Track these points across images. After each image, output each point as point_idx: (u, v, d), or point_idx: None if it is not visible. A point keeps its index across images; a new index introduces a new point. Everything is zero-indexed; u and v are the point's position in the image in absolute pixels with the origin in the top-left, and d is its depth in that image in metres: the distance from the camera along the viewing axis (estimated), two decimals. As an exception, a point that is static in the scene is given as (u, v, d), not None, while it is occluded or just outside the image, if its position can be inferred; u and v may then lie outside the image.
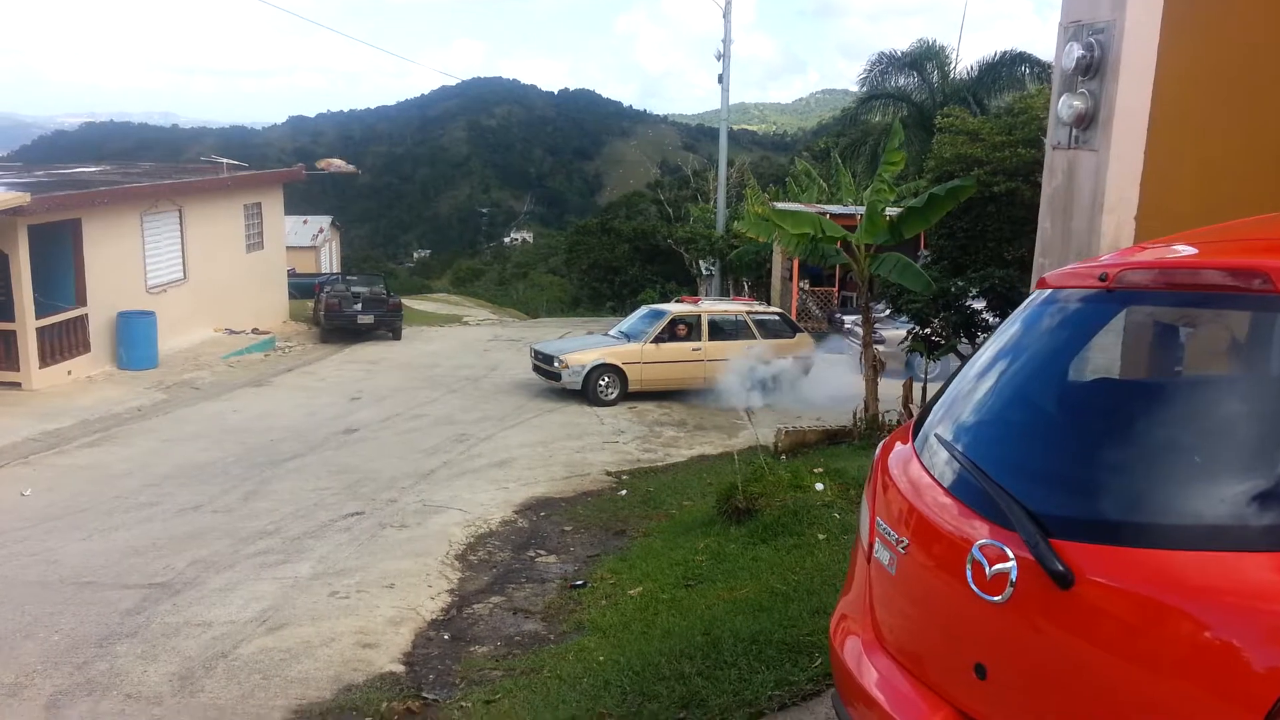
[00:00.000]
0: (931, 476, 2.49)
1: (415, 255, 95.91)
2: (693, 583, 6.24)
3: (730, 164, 30.81)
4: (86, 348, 15.93)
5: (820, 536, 6.37)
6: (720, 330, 16.02)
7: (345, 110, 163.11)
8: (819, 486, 7.27)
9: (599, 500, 9.68)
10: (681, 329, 15.81)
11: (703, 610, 5.52)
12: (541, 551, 8.06)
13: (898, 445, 2.85)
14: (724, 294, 29.54)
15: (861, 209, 17.20)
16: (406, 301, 27.00)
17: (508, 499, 9.67)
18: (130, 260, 17.22)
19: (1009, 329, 2.72)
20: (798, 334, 16.54)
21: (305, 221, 41.97)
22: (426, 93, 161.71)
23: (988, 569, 2.05)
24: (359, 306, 20.99)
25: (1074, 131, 5.56)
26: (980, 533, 2.13)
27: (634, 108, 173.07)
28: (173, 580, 6.97)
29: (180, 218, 18.79)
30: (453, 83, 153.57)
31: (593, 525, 8.76)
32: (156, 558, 7.57)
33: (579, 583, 6.99)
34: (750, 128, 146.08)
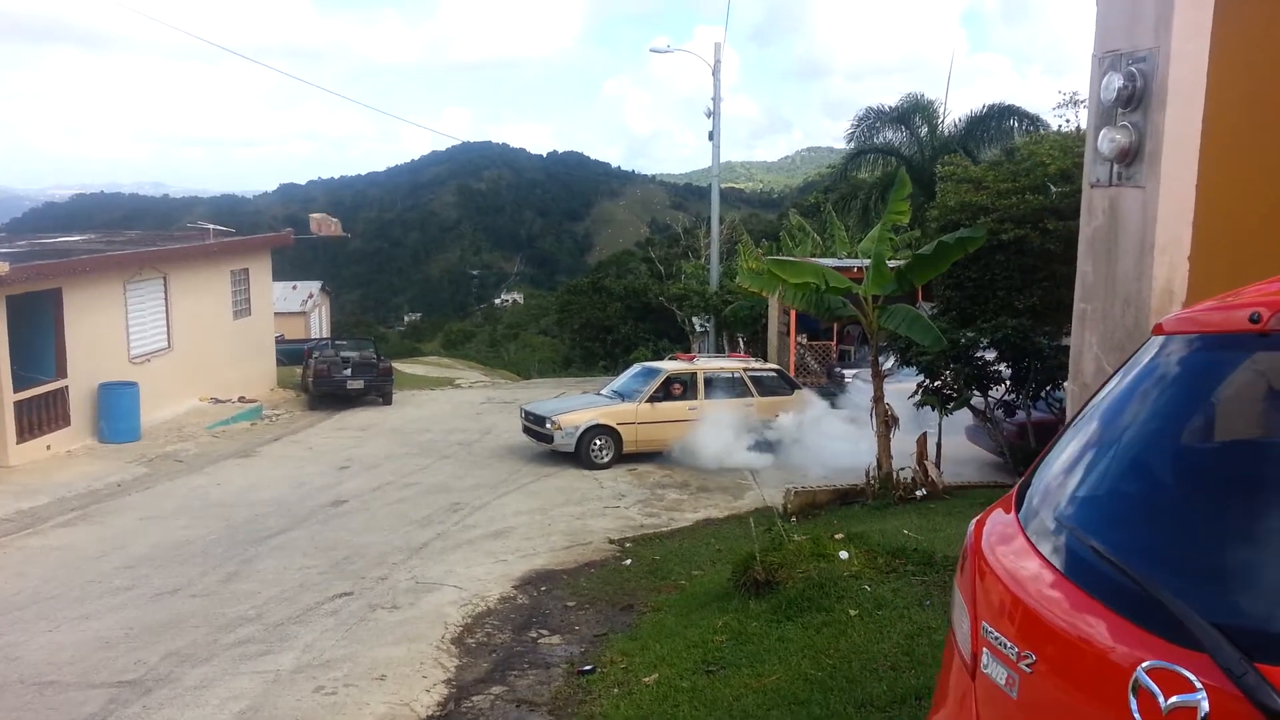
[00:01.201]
0: (1053, 568, 2.00)
1: (406, 318, 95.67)
2: (714, 668, 5.68)
3: (721, 220, 30.65)
4: (66, 421, 15.37)
5: (852, 612, 5.83)
6: (716, 388, 15.54)
7: (335, 176, 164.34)
8: (843, 555, 6.74)
9: (603, 571, 9.12)
10: (677, 388, 15.34)
11: (730, 702, 4.97)
12: (544, 631, 7.48)
13: (995, 523, 2.36)
14: (719, 350, 29.17)
15: (860, 261, 16.90)
16: (397, 365, 26.54)
17: (506, 573, 9.11)
18: (113, 330, 16.75)
19: (1123, 381, 2.26)
20: (795, 390, 16.09)
21: (294, 287, 41.61)
22: (416, 158, 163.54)
23: (1162, 701, 1.56)
24: (349, 372, 20.50)
25: (1115, 167, 5.16)
26: (1144, 650, 1.64)
27: (622, 168, 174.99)
28: (144, 677, 6.38)
29: (165, 285, 18.37)
30: (442, 148, 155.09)
31: (598, 600, 8.19)
32: (128, 651, 6.98)
33: (587, 668, 6.42)
34: (737, 186, 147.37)
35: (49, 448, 14.79)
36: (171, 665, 6.61)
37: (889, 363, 12.04)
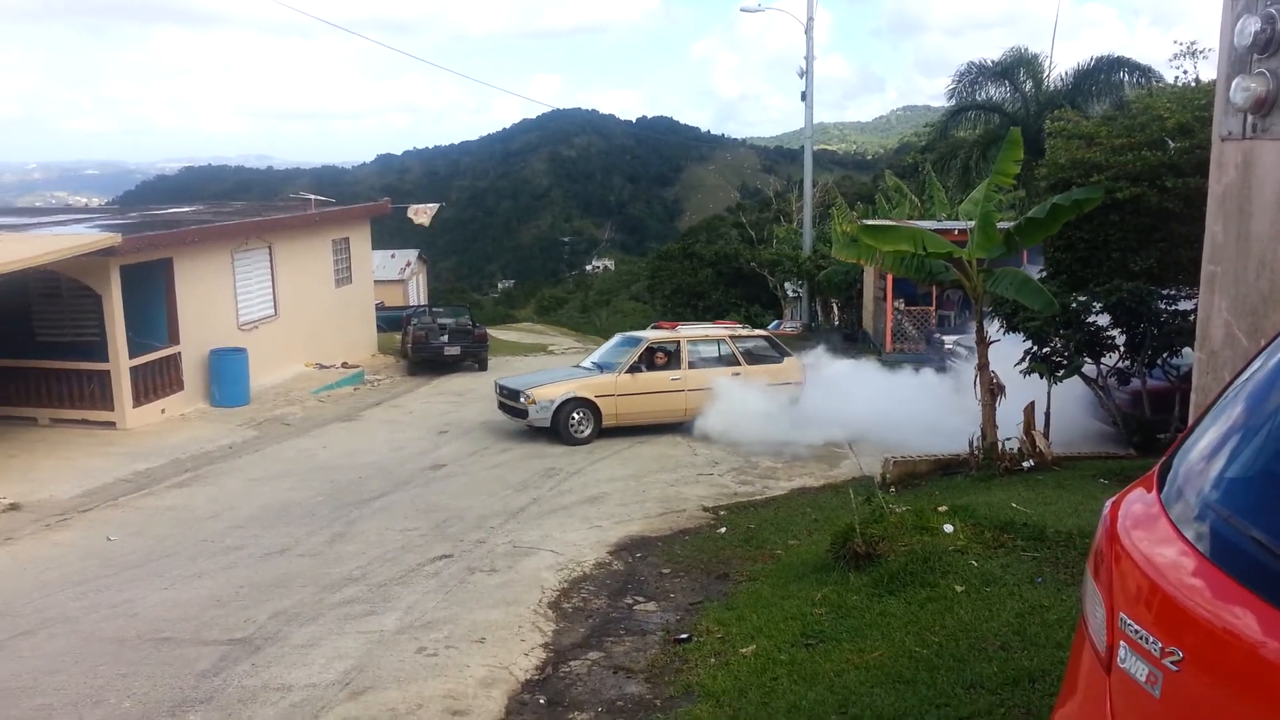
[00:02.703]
0: (1200, 555, 1.84)
1: (500, 285, 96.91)
2: (813, 641, 5.57)
3: (814, 183, 30.06)
4: (180, 386, 16.01)
5: (958, 588, 5.64)
6: (701, 357, 14.84)
7: (430, 147, 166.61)
8: (948, 528, 6.53)
9: (697, 539, 9.06)
10: (660, 357, 14.64)
11: (831, 678, 4.86)
12: (640, 598, 7.47)
13: (1133, 504, 2.19)
14: (813, 316, 28.72)
15: (961, 223, 16.29)
16: (492, 331, 26.86)
17: (601, 538, 9.14)
18: (222, 298, 17.33)
19: (1272, 359, 2.05)
20: (786, 358, 15.44)
21: (393, 255, 42.49)
22: (508, 127, 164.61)
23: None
24: (445, 338, 20.84)
25: (1250, 119, 4.77)
26: None
27: (711, 132, 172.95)
28: (253, 635, 6.59)
29: (270, 254, 18.90)
30: (533, 116, 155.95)
31: (693, 568, 8.15)
32: (238, 609, 7.23)
33: (683, 636, 6.38)
34: (830, 148, 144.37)
35: (163, 411, 15.43)
36: (280, 624, 6.82)
37: (993, 328, 11.60)
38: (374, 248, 25.08)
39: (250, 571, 8.31)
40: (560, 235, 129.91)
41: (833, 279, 26.38)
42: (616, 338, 16.17)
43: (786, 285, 31.29)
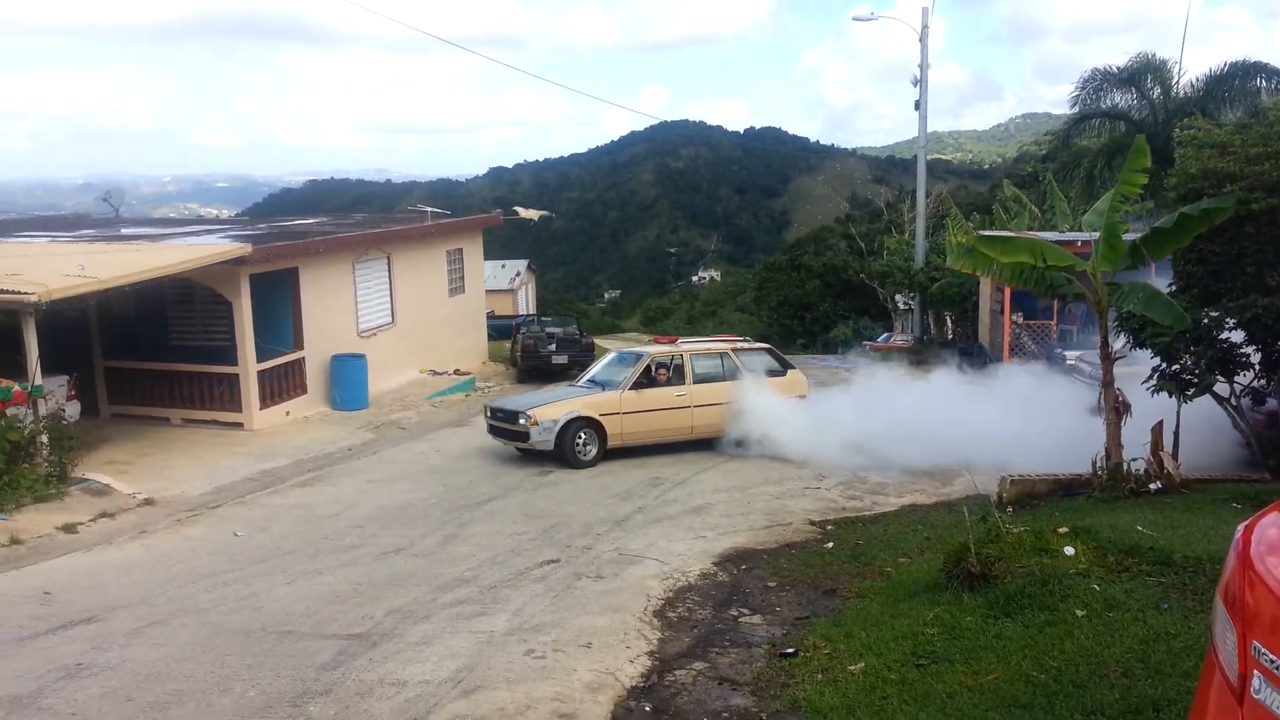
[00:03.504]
0: None
1: (606, 295, 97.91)
2: (925, 661, 5.45)
3: (927, 194, 29.44)
4: (303, 389, 16.69)
5: (1079, 613, 5.44)
6: (704, 371, 14.25)
7: (540, 159, 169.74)
8: (1069, 550, 6.30)
9: (804, 553, 8.96)
10: (662, 373, 13.99)
11: (943, 699, 4.75)
12: (745, 610, 7.43)
13: (1267, 529, 2.09)
14: (924, 330, 28.10)
15: (1084, 235, 15.70)
16: (599, 341, 27.15)
17: (706, 549, 9.13)
18: (343, 306, 18.01)
19: None
20: (790, 371, 14.97)
21: (503, 265, 43.41)
22: (615, 139, 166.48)
23: None
24: (553, 347, 21.19)
25: None
26: None
27: (820, 143, 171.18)
28: (370, 631, 6.82)
29: (389, 264, 19.56)
30: (641, 128, 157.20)
31: (799, 582, 8.06)
32: (356, 605, 7.49)
33: (789, 650, 6.32)
34: (945, 157, 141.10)
35: (288, 413, 16.12)
36: (395, 621, 7.04)
37: (1118, 344, 11.12)
38: (485, 258, 25.67)
39: (368, 569, 8.61)
40: (667, 246, 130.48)
41: (946, 291, 25.76)
42: (612, 353, 15.58)
43: (897, 297, 30.71)
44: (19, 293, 11.47)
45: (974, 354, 23.18)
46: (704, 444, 13.97)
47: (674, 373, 14.04)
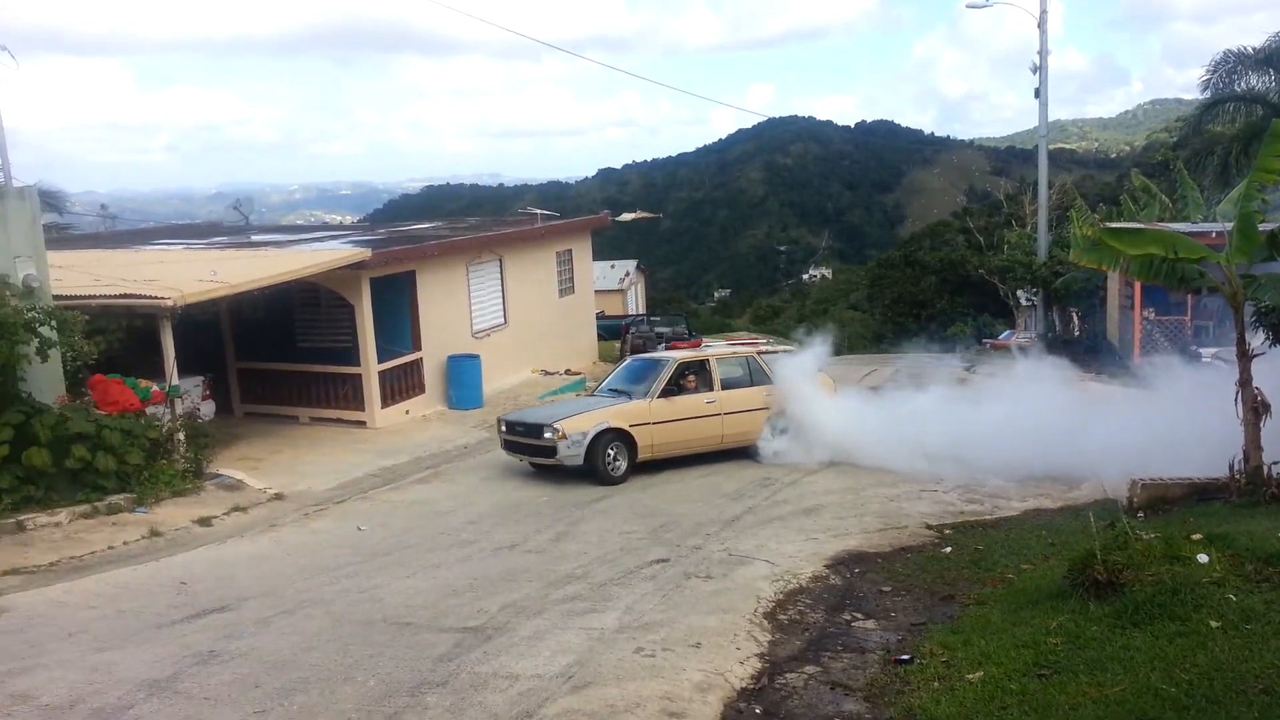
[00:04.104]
0: None
1: (716, 295, 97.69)
2: (1047, 671, 5.25)
3: (1050, 185, 28.34)
4: (421, 389, 17.20)
5: (1213, 624, 5.15)
6: (733, 376, 13.57)
7: (648, 160, 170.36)
8: (1202, 558, 5.97)
9: (920, 557, 8.75)
10: (689, 379, 13.22)
11: (1065, 710, 4.57)
12: (858, 615, 7.30)
13: None
14: (1049, 326, 27.08)
15: (1216, 225, 14.84)
16: (708, 340, 27.12)
17: (817, 551, 9.00)
18: (458, 307, 18.47)
19: None
20: (816, 374, 14.20)
21: (613, 266, 43.80)
22: (723, 137, 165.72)
23: None
24: (662, 346, 21.26)
25: None
26: None
27: (935, 134, 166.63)
28: (485, 625, 6.97)
29: (501, 267, 19.97)
30: (749, 125, 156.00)
31: (915, 587, 7.87)
32: (472, 599, 7.67)
33: (905, 657, 6.18)
34: (1068, 146, 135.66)
35: (407, 412, 16.63)
36: (508, 615, 7.18)
37: (1257, 340, 10.46)
38: (595, 259, 25.94)
39: (482, 564, 8.81)
40: (776, 244, 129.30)
41: (1071, 286, 24.78)
42: (630, 360, 14.86)
43: (1019, 293, 29.68)
44: (156, 298, 12.16)
45: (1101, 351, 22.23)
46: (736, 453, 13.41)
47: (700, 378, 13.34)
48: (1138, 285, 18.40)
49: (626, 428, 12.50)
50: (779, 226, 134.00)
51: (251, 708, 5.55)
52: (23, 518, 9.91)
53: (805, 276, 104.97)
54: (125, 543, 9.82)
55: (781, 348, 15.00)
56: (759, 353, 14.22)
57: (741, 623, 7.01)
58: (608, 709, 5.47)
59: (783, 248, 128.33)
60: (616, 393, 13.45)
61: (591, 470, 12.25)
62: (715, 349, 14.26)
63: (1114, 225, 14.57)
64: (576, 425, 12.23)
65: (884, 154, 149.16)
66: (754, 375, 13.70)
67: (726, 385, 13.37)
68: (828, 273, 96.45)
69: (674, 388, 13.05)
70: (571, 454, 12.14)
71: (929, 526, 9.89)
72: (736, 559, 8.75)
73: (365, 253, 15.53)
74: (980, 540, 9.16)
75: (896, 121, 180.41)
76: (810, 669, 6.19)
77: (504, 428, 13.08)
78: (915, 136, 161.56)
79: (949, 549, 8.91)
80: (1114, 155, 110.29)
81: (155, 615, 7.47)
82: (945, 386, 15.81)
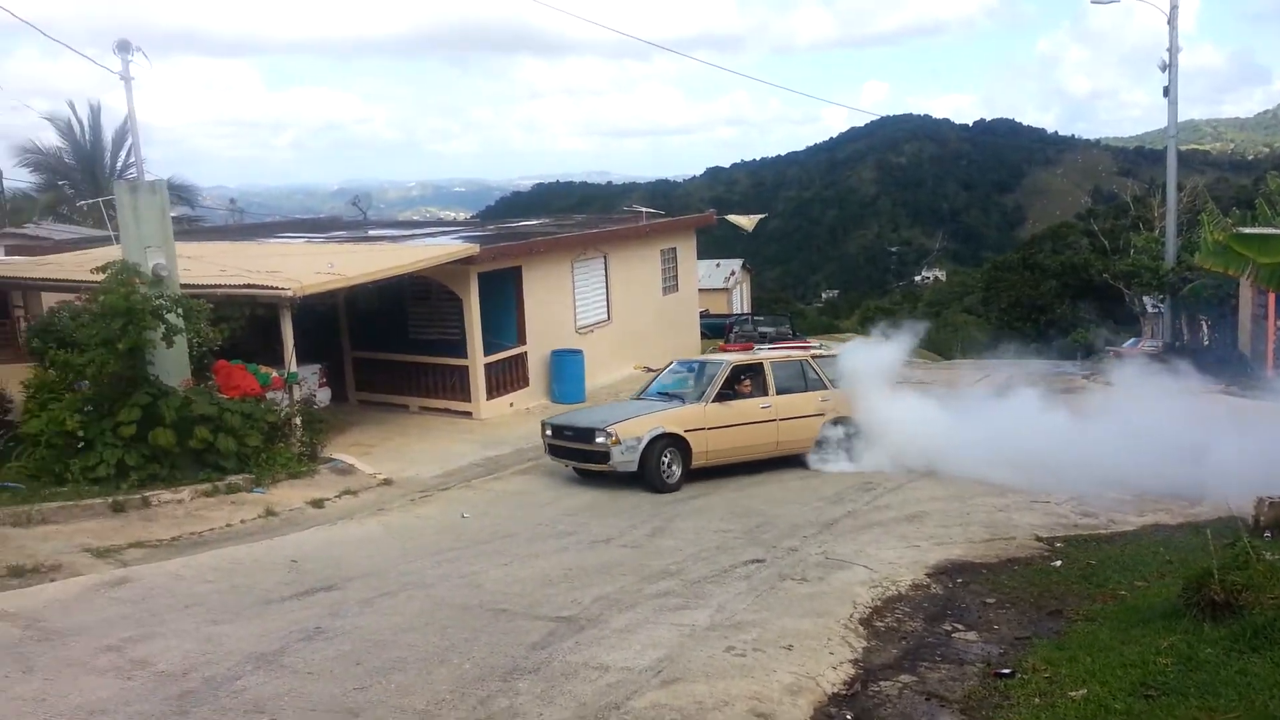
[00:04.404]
0: None
1: (824, 295, 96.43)
2: (1154, 693, 5.00)
3: (1180, 187, 26.97)
4: (525, 382, 17.49)
5: (1345, 653, 4.82)
6: (786, 381, 12.99)
7: (756, 159, 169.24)
8: (1335, 583, 5.59)
9: (1028, 570, 8.43)
10: (744, 383, 12.66)
11: (1176, 735, 4.34)
12: (959, 625, 7.09)
13: None
14: (1175, 335, 25.81)
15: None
16: (812, 341, 26.80)
17: (919, 559, 8.77)
18: (562, 303, 18.71)
19: None
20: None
21: (718, 265, 43.64)
22: (834, 136, 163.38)
23: None
24: (766, 346, 21.10)
25: None
26: None
27: (1058, 134, 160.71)
28: (578, 615, 7.04)
29: (605, 264, 20.13)
30: (861, 124, 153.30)
31: (1020, 600, 7.60)
32: (567, 590, 7.76)
33: (1005, 670, 5.98)
34: (1201, 147, 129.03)
35: (511, 405, 16.93)
36: (601, 608, 7.23)
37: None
38: (700, 257, 25.91)
39: (578, 556, 8.91)
40: (888, 245, 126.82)
41: (1200, 293, 23.54)
42: (675, 363, 14.35)
43: (1145, 299, 28.37)
44: (277, 288, 12.69)
45: (1232, 362, 21.06)
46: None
47: (755, 382, 12.83)
48: (1271, 294, 17.39)
49: (681, 433, 11.99)
50: (890, 227, 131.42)
51: (352, 684, 5.74)
52: (149, 494, 10.47)
53: (917, 278, 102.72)
54: (242, 521, 10.29)
55: (830, 353, 14.49)
56: (814, 357, 13.81)
57: (836, 627, 6.89)
58: (695, 705, 5.45)
59: (894, 248, 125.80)
60: (667, 396, 13.04)
61: (644, 477, 11.74)
62: (770, 352, 13.83)
63: (1245, 230, 13.78)
64: (630, 429, 11.72)
65: (1003, 153, 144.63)
66: (808, 380, 13.26)
67: (781, 390, 12.90)
68: (941, 275, 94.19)
69: (728, 392, 12.56)
70: (625, 460, 11.62)
71: (1039, 538, 9.52)
72: (834, 563, 8.60)
73: (474, 248, 15.88)
74: (1093, 555, 8.78)
75: (1017, 120, 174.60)
76: (905, 678, 6.05)
77: (549, 431, 12.51)
78: (1037, 135, 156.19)
79: (1059, 562, 8.57)
80: (1251, 157, 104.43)
81: (266, 591, 7.80)
82: (1058, 395, 15.21)
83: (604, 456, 11.70)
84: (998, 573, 8.36)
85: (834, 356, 14.08)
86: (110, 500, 10.10)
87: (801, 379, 13.22)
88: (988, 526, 9.96)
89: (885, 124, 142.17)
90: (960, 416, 13.35)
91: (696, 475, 12.21)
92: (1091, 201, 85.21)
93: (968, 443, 12.27)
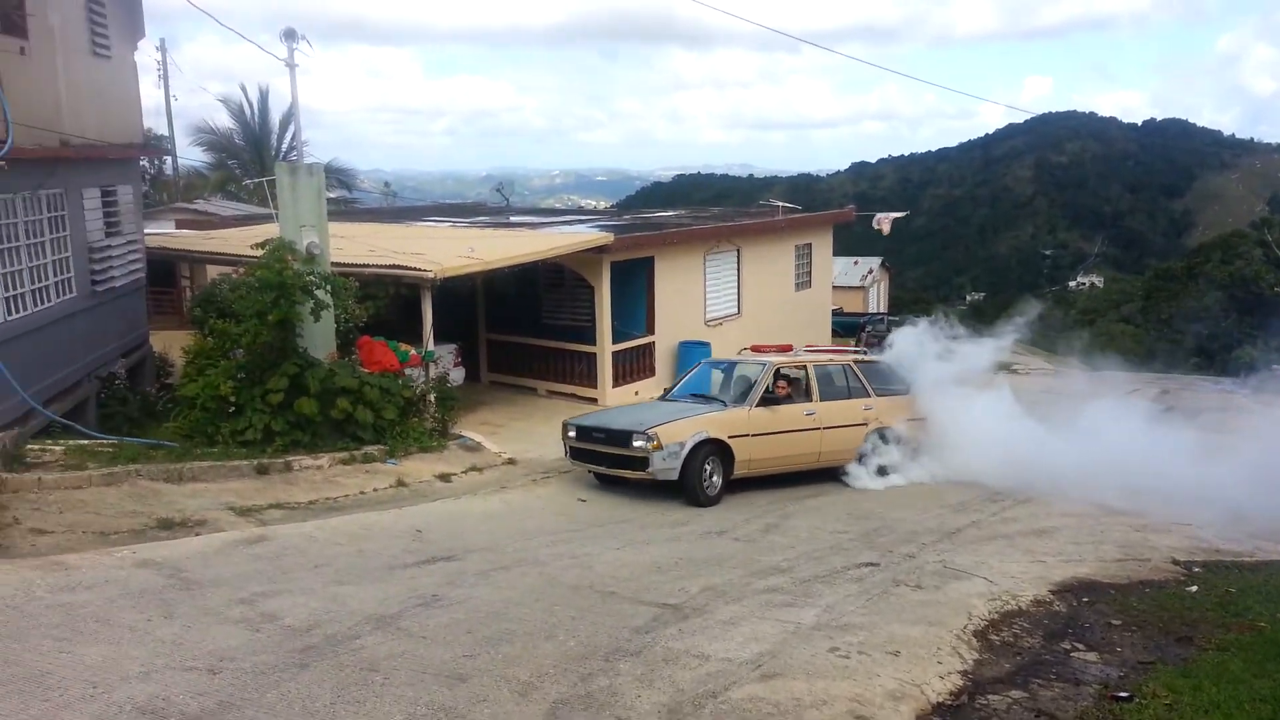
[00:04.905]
0: None
1: (968, 298, 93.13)
2: (1289, 733, 4.68)
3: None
4: (651, 372, 17.65)
5: None
6: (830, 386, 12.07)
7: (905, 154, 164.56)
8: None
9: (1160, 594, 7.99)
10: (783, 386, 11.70)
11: (1304, 779, 4.05)
12: (1079, 645, 6.79)
13: None
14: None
15: None
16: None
17: (1043, 575, 8.43)
18: (692, 295, 18.77)
19: None
20: (910, 388, 12.74)
21: (855, 262, 42.80)
22: (990, 132, 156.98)
23: None
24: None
25: None
26: None
27: (1236, 136, 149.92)
28: (683, 604, 7.09)
29: (738, 257, 20.08)
30: (1019, 120, 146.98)
31: (1148, 623, 7.22)
32: (675, 578, 7.82)
33: (1124, 694, 5.70)
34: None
35: (636, 393, 17.10)
36: (708, 598, 7.26)
37: None
38: (837, 254, 25.50)
39: (689, 546, 8.97)
40: (1041, 247, 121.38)
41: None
42: (702, 365, 13.42)
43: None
44: (419, 270, 13.21)
45: None
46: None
47: (795, 387, 11.94)
48: None
49: (725, 439, 11.02)
50: (1045, 228, 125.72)
51: (462, 651, 5.96)
52: (291, 459, 11.10)
53: (1072, 283, 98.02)
54: (375, 489, 10.79)
55: (875, 358, 13.49)
56: (856, 360, 12.97)
57: (947, 637, 6.71)
58: (793, 701, 5.42)
59: (1048, 251, 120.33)
60: (703, 399, 12.10)
61: (685, 487, 10.76)
62: (813, 354, 12.96)
63: None
64: (673, 433, 10.72)
65: (1174, 155, 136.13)
66: (850, 386, 12.39)
67: (826, 397, 12.06)
68: (1098, 280, 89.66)
69: (771, 396, 11.63)
70: (666, 467, 10.63)
71: (1176, 562, 9.01)
72: (952, 572, 8.37)
73: (608, 237, 16.11)
74: (1233, 582, 8.24)
75: (1191, 120, 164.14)
76: (1016, 693, 5.84)
77: (574, 433, 11.48)
78: (1212, 137, 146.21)
79: (1194, 588, 8.09)
80: None
81: (390, 558, 8.16)
82: (1212, 413, 14.29)
83: (642, 463, 10.69)
84: (1127, 594, 7.96)
85: (878, 363, 13.20)
86: (255, 463, 10.77)
87: (844, 385, 12.38)
88: (1122, 546, 9.49)
89: (1046, 120, 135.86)
90: (1072, 432, 12.52)
91: (735, 486, 11.42)
92: (1269, 210, 79.35)
93: (1076, 464, 11.48)
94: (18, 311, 11.25)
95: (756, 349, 13.22)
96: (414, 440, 12.42)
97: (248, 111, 35.80)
